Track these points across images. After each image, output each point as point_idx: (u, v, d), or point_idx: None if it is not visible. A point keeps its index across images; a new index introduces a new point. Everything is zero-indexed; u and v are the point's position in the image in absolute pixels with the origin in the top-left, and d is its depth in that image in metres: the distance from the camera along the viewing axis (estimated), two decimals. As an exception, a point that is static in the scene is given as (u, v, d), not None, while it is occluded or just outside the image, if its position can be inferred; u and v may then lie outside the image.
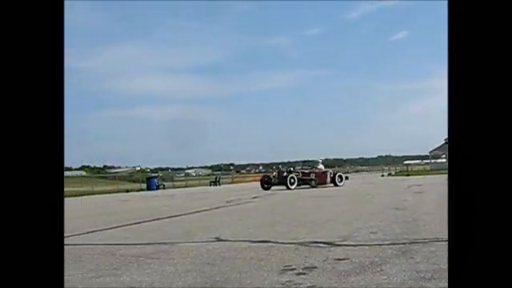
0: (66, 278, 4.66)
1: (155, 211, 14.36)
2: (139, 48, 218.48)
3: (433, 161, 71.95)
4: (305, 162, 32.39)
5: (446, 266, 3.68)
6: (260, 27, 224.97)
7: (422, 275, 4.19)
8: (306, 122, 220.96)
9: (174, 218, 11.61)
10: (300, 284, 4.07)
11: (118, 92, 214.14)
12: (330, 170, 31.01)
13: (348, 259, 5.03)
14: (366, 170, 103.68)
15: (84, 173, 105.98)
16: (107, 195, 35.01)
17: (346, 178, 31.19)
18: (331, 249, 5.77)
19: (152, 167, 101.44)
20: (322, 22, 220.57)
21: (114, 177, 65.81)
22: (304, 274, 4.45)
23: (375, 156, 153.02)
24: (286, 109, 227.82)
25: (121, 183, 50.88)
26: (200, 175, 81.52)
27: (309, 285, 4.05)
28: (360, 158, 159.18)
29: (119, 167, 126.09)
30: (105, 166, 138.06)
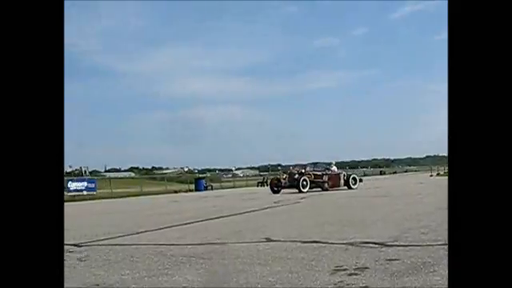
0: (119, 277, 4.76)
1: (204, 212, 14.44)
2: (187, 50, 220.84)
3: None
4: (315, 163, 30.00)
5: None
6: (306, 28, 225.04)
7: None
8: (352, 122, 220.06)
9: (223, 219, 11.66)
10: (352, 284, 4.05)
11: (165, 94, 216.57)
12: (344, 172, 29.25)
13: (400, 260, 4.97)
14: (415, 170, 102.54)
15: (133, 174, 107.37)
16: (156, 196, 35.36)
17: (361, 180, 29.74)
18: (382, 249, 5.72)
19: (200, 168, 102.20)
20: (368, 21, 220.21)
21: (163, 178, 66.50)
22: (356, 274, 4.42)
23: (423, 156, 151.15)
24: (332, 109, 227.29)
25: (169, 184, 51.32)
26: (247, 176, 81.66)
27: (361, 285, 4.02)
28: (408, 158, 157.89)
29: (167, 168, 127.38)
30: (153, 167, 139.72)
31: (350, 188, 26.70)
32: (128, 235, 8.67)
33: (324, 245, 6.26)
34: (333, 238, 6.77)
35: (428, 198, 15.93)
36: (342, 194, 22.16)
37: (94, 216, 16.31)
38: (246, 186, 51.74)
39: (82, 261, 5.98)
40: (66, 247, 7.23)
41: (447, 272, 2.53)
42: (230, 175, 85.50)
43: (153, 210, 17.79)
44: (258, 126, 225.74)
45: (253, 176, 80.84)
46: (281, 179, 28.02)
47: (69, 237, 8.77)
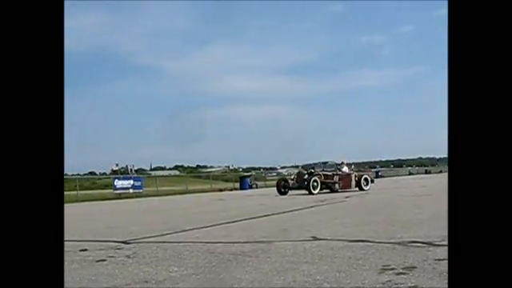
0: (167, 274, 4.81)
1: (249, 210, 14.49)
2: (231, 48, 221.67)
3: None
4: (324, 163, 28.23)
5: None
6: (351, 26, 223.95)
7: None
8: (399, 120, 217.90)
9: (269, 217, 11.69)
10: (401, 284, 4.02)
11: (210, 92, 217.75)
12: (355, 173, 27.42)
13: (448, 259, 4.92)
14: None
15: (177, 172, 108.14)
16: (201, 194, 35.60)
17: (372, 181, 27.61)
18: (430, 248, 5.66)
19: (244, 166, 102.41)
20: (414, 19, 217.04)
21: (208, 176, 66.75)
22: (404, 273, 4.39)
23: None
24: (378, 107, 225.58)
25: (214, 182, 51.52)
26: (291, 174, 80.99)
27: (410, 285, 3.99)
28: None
29: (212, 167, 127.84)
30: (198, 166, 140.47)
31: (361, 189, 25.63)
32: (175, 233, 8.77)
33: (371, 244, 6.23)
34: (379, 237, 6.73)
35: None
36: (388, 192, 22.00)
37: (141, 214, 16.52)
38: (291, 184, 51.69)
39: (130, 258, 6.06)
40: (114, 244, 7.37)
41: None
42: (275, 173, 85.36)
43: (198, 207, 17.93)
44: (303, 124, 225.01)
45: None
46: (288, 180, 26.68)
47: (117, 234, 8.93)
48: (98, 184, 64.60)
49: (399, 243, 6.11)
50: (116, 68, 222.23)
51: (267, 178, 60.40)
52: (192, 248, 6.61)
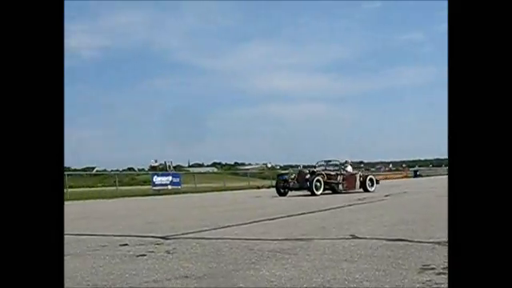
0: (207, 270, 4.86)
1: (287, 207, 14.52)
2: (269, 46, 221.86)
3: None
4: (328, 161, 26.75)
5: None
6: (390, 24, 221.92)
7: None
8: (438, 119, 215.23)
9: (307, 215, 11.70)
10: (441, 284, 4.00)
11: (247, 90, 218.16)
12: (360, 173, 26.54)
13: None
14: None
15: (215, 169, 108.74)
16: (239, 191, 35.75)
17: (377, 182, 26.49)
18: (471, 249, 5.61)
19: (282, 164, 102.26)
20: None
21: (245, 173, 66.98)
22: (444, 273, 4.36)
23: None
24: (418, 106, 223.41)
25: (251, 180, 51.69)
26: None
27: (450, 285, 3.97)
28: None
29: (249, 164, 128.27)
30: (235, 163, 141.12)
31: (366, 190, 24.53)
32: (214, 229, 8.83)
33: (410, 243, 6.20)
34: (419, 237, 6.70)
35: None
36: (422, 193, 21.82)
37: (179, 210, 16.65)
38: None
39: (169, 253, 6.13)
40: (153, 239, 7.46)
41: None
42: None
43: (236, 204, 18.00)
44: (341, 122, 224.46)
45: (335, 173, 80.00)
46: (289, 179, 25.43)
47: (156, 229, 9.04)
48: (136, 180, 65.41)
49: (439, 243, 6.06)
50: (157, 65, 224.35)
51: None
52: (231, 244, 6.66)
